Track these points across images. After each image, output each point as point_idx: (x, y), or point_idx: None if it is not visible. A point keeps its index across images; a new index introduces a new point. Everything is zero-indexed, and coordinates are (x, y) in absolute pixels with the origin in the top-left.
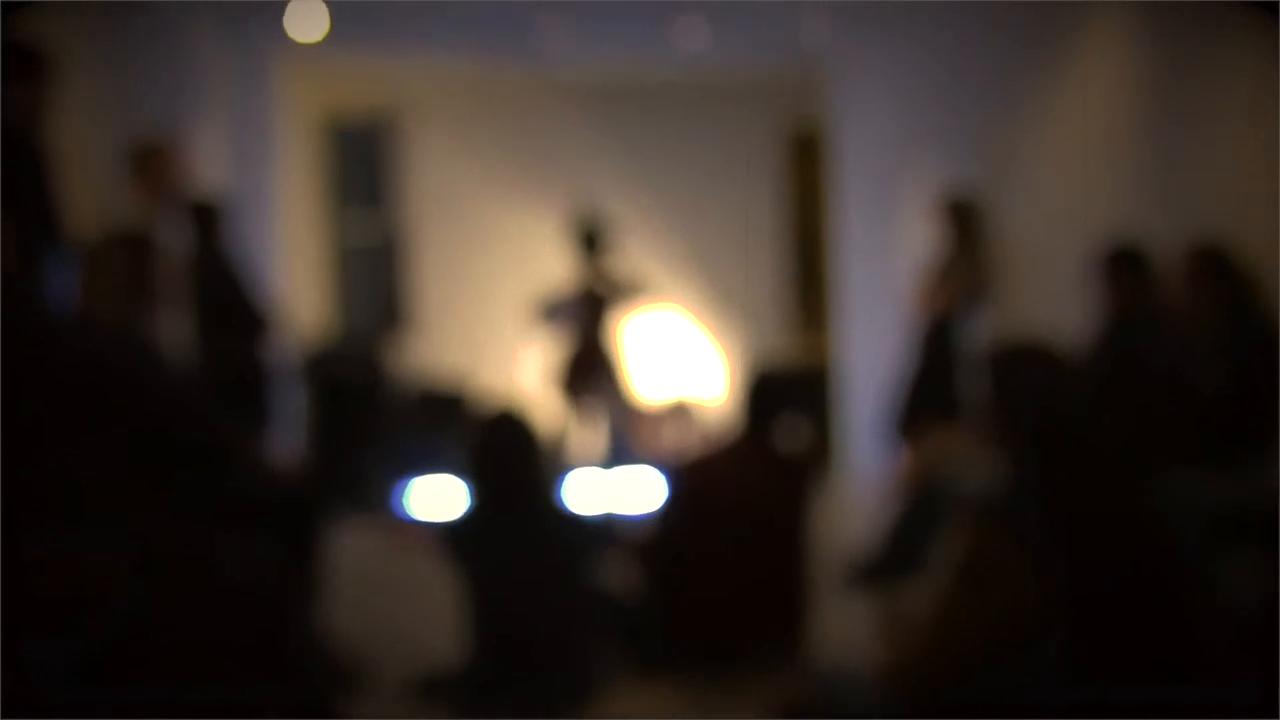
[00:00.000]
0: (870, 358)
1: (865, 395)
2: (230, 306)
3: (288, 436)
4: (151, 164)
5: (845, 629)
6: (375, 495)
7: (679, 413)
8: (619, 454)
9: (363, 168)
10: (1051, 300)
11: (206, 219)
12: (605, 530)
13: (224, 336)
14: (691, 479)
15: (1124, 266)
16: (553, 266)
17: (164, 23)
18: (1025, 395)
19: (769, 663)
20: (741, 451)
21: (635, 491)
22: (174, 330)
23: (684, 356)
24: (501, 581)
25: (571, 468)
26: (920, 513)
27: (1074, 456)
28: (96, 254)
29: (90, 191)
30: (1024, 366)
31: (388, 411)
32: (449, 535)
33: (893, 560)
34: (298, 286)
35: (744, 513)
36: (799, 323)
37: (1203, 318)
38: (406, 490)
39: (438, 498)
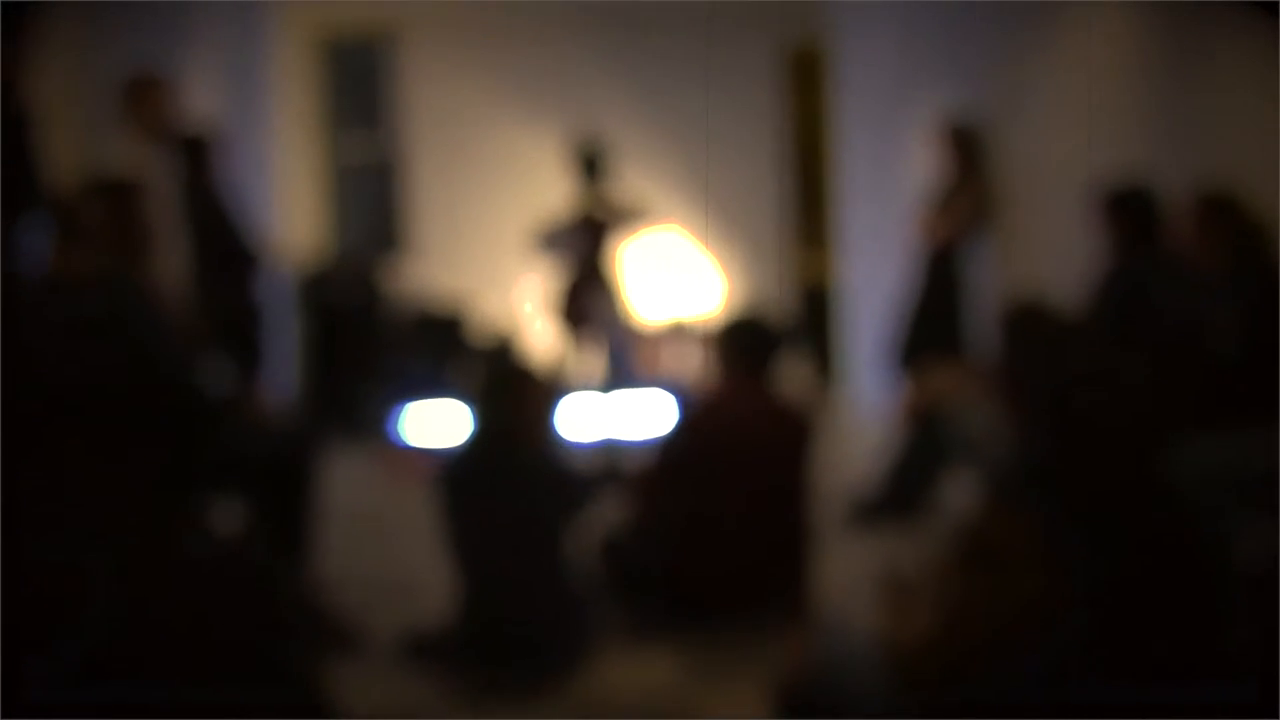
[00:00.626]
0: (873, 279)
1: (868, 316)
2: (221, 245)
3: (281, 365)
4: (144, 99)
5: (848, 571)
6: (370, 421)
7: (678, 334)
8: (618, 378)
9: (360, 88)
10: (1056, 234)
11: (197, 153)
12: (602, 474)
13: (215, 276)
14: (691, 425)
15: (1130, 208)
16: (552, 189)
17: None
18: (1033, 367)
19: (771, 619)
20: (738, 398)
21: (634, 416)
22: (164, 276)
23: (683, 277)
24: (494, 529)
25: (569, 392)
26: (922, 450)
27: (1086, 426)
28: (76, 205)
29: (79, 137)
30: (1031, 336)
31: (384, 335)
32: (444, 476)
33: (895, 499)
34: (293, 208)
35: (743, 461)
36: (800, 242)
37: (1211, 266)
38: (402, 416)
39: (434, 423)
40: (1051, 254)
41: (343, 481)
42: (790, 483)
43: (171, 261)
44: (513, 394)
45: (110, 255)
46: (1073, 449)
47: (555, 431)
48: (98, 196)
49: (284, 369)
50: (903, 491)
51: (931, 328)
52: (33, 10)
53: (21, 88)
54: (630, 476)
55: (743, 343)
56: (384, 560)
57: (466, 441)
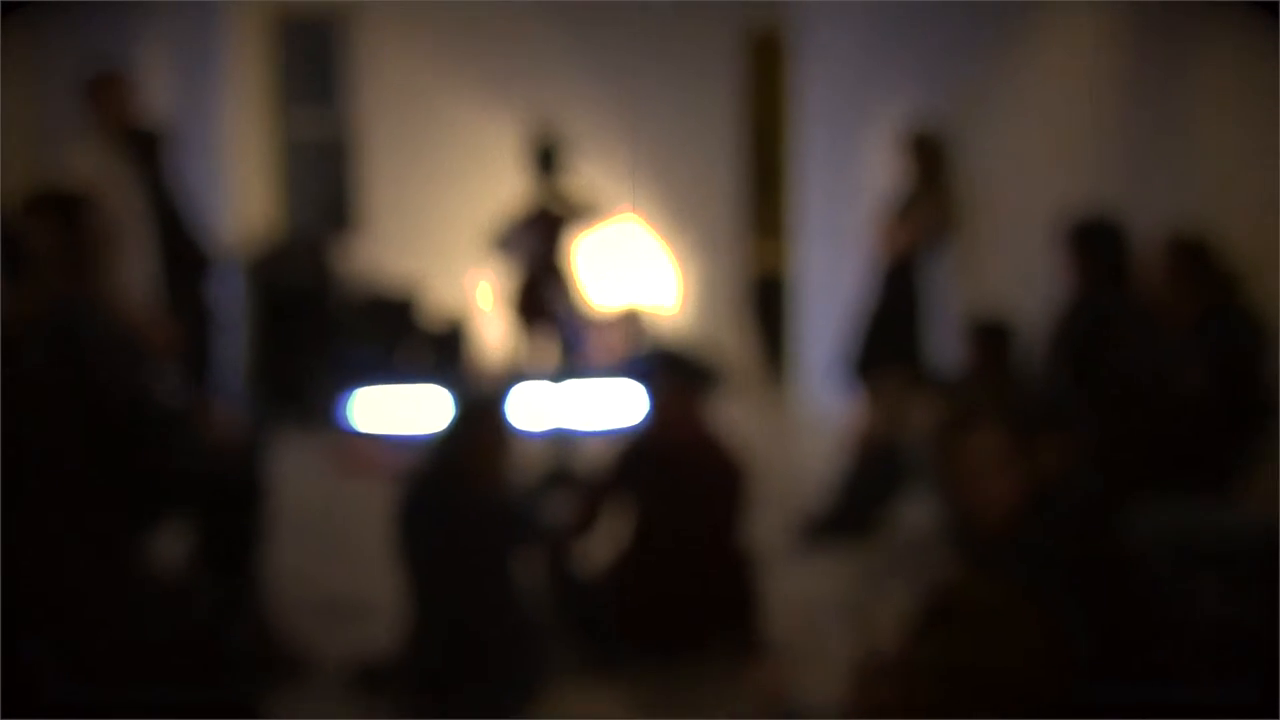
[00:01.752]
0: (828, 272)
1: (822, 309)
2: (177, 247)
3: (230, 352)
4: (106, 97)
5: (799, 589)
6: (320, 407)
7: (630, 320)
8: (571, 368)
9: (315, 64)
10: (1020, 251)
11: (153, 150)
12: (553, 471)
13: (172, 280)
14: (627, 453)
15: (1096, 242)
16: (508, 172)
17: None
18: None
19: (722, 650)
20: (672, 428)
21: (586, 406)
22: (123, 285)
23: (638, 265)
24: (446, 559)
25: (521, 381)
26: (876, 471)
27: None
28: (20, 229)
29: (31, 152)
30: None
31: (334, 318)
32: (398, 504)
33: (847, 517)
34: (244, 187)
35: (678, 492)
36: (756, 232)
37: (1178, 314)
38: (351, 402)
39: (383, 410)
40: (1014, 271)
41: (294, 484)
42: (726, 518)
43: (132, 268)
44: (470, 430)
45: (60, 279)
46: (1042, 514)
47: (510, 464)
48: (42, 214)
49: (232, 355)
50: (855, 510)
51: (888, 339)
52: None
53: None
54: (575, 493)
55: (676, 374)
56: (334, 568)
57: (420, 471)
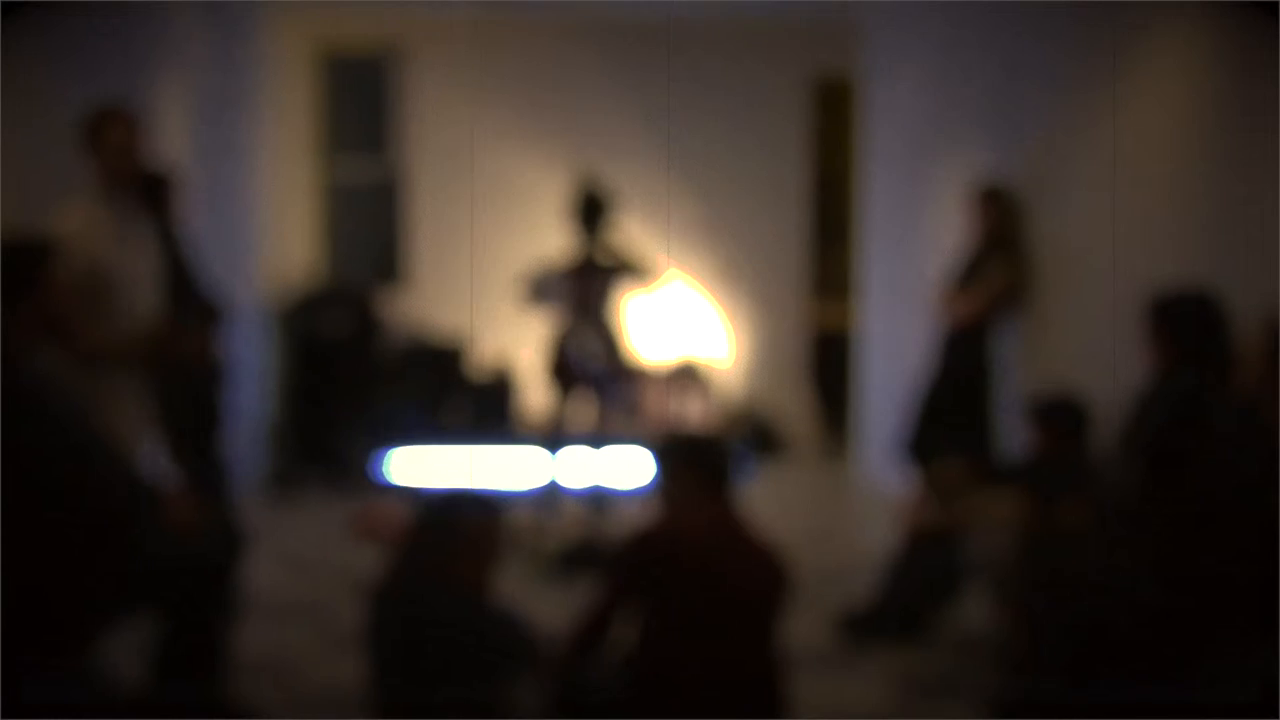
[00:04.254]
0: (895, 335)
1: (888, 375)
2: (180, 298)
3: (254, 404)
4: (101, 135)
5: (833, 699)
6: (355, 466)
7: (686, 374)
8: (611, 427)
9: (361, 110)
10: (1098, 324)
11: (156, 195)
12: (586, 538)
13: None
14: (641, 549)
15: (1183, 318)
16: (558, 222)
17: None
18: None
19: None
20: (697, 524)
21: (626, 466)
22: (109, 344)
23: (694, 322)
24: (415, 660)
25: (561, 444)
26: (927, 567)
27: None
28: None
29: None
30: None
31: (374, 369)
32: (373, 605)
33: (893, 617)
34: (284, 232)
35: (702, 593)
36: (819, 288)
37: (1268, 411)
38: (387, 460)
39: (422, 469)
40: (1091, 348)
41: (310, 544)
42: (758, 626)
43: (128, 323)
44: (457, 531)
45: (12, 342)
46: None
47: (498, 572)
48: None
49: (256, 410)
50: (902, 610)
51: (948, 418)
52: None
53: None
54: (581, 602)
55: (692, 465)
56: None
57: (396, 576)
